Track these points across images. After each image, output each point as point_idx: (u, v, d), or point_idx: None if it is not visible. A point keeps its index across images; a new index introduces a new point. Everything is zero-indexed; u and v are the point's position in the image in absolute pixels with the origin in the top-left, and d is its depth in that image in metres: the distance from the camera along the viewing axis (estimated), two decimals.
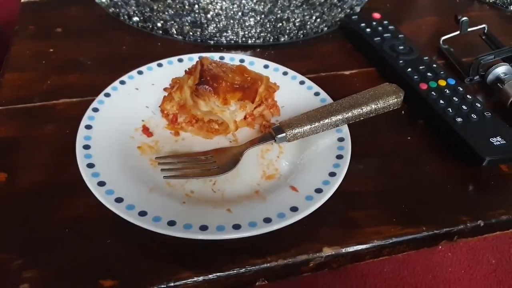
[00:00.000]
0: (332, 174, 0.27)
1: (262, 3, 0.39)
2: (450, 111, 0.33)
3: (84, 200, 0.26)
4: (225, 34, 0.41)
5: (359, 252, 0.26)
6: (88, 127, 0.29)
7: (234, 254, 0.25)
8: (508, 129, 0.32)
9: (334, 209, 0.27)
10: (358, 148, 0.30)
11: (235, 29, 0.41)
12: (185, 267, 0.24)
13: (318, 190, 0.26)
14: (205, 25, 0.40)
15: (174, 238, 0.24)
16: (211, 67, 0.31)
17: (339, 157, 0.29)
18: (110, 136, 0.29)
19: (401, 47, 0.39)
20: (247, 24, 0.40)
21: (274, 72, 0.36)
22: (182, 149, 0.30)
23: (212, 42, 0.41)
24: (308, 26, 0.42)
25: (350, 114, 0.30)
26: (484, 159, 0.30)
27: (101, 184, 0.26)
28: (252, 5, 0.39)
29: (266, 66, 0.36)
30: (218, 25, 0.40)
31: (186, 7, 0.39)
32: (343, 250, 0.26)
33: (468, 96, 0.34)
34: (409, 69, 0.37)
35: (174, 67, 0.35)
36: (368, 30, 0.41)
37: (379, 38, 0.40)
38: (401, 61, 0.37)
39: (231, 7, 0.39)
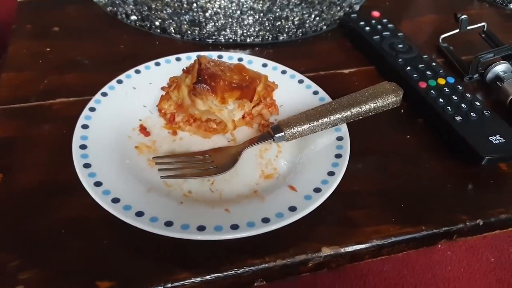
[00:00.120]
0: (331, 174, 0.27)
1: (261, 2, 0.39)
2: (450, 109, 0.33)
3: (81, 200, 0.26)
4: (223, 32, 0.41)
5: (358, 252, 0.26)
6: (85, 126, 0.29)
7: (232, 255, 0.24)
8: (507, 127, 0.32)
9: (333, 209, 0.27)
10: (357, 147, 0.30)
11: (234, 28, 0.40)
12: (182, 268, 0.24)
13: (317, 190, 0.26)
14: (204, 23, 0.40)
15: (172, 238, 0.24)
16: (209, 66, 0.31)
17: (338, 156, 0.28)
18: (107, 136, 0.29)
19: (400, 46, 0.39)
20: (245, 22, 0.40)
21: (272, 70, 0.36)
22: (180, 149, 0.30)
23: (210, 40, 0.41)
24: (307, 25, 0.42)
25: (349, 113, 0.30)
26: (483, 157, 0.30)
27: (98, 184, 0.25)
28: (251, 3, 0.39)
29: (264, 65, 0.36)
30: (217, 24, 0.40)
31: (184, 5, 0.39)
32: (342, 250, 0.26)
33: (467, 94, 0.34)
34: (408, 68, 0.36)
35: (172, 66, 0.35)
36: (367, 28, 0.41)
37: (378, 37, 0.40)
38: (400, 60, 0.37)
39: (229, 6, 0.39)
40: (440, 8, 0.49)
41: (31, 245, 0.24)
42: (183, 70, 0.32)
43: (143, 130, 0.31)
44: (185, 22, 0.40)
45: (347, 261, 0.26)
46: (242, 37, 0.41)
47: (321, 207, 0.26)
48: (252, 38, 0.41)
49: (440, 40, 0.42)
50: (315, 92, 0.34)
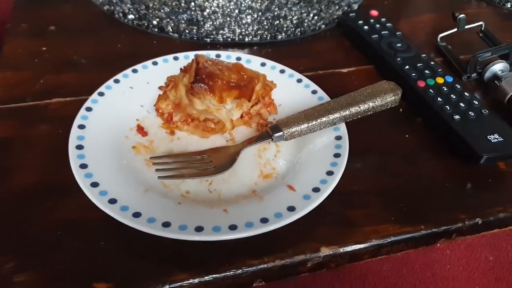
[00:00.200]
0: (330, 173, 0.27)
1: (259, 1, 0.39)
2: (448, 108, 0.33)
3: (78, 201, 0.25)
4: (221, 32, 0.40)
5: (357, 251, 0.26)
6: (81, 126, 0.29)
7: (231, 255, 0.24)
8: (506, 126, 0.32)
9: (332, 208, 0.27)
10: (356, 146, 0.30)
11: (232, 27, 0.40)
12: (180, 269, 0.24)
13: (316, 189, 0.26)
14: (202, 22, 0.40)
15: (170, 239, 0.24)
16: (206, 65, 0.31)
17: (337, 155, 0.28)
18: (104, 136, 0.29)
19: (399, 45, 0.38)
20: (244, 21, 0.40)
21: (271, 70, 0.35)
22: (177, 149, 0.30)
23: (208, 40, 0.40)
24: (305, 24, 0.42)
25: (347, 112, 0.30)
26: (482, 156, 0.30)
27: (95, 185, 0.25)
28: (249, 2, 0.39)
29: (263, 64, 0.36)
30: (215, 23, 0.40)
31: (182, 4, 0.39)
32: (341, 250, 0.25)
33: (465, 93, 0.34)
34: (407, 67, 0.36)
35: (170, 65, 0.35)
36: (365, 27, 0.41)
37: (376, 36, 0.40)
38: (398, 59, 0.37)
39: (227, 5, 0.39)
40: (438, 7, 0.49)
41: (27, 247, 0.24)
42: (180, 69, 0.32)
43: (141, 130, 0.31)
44: (183, 21, 0.40)
45: (346, 261, 0.26)
46: (240, 36, 0.41)
47: (320, 207, 0.26)
48: (251, 37, 0.41)
49: (438, 39, 0.42)
50: (314, 92, 0.34)
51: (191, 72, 0.31)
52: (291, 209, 0.25)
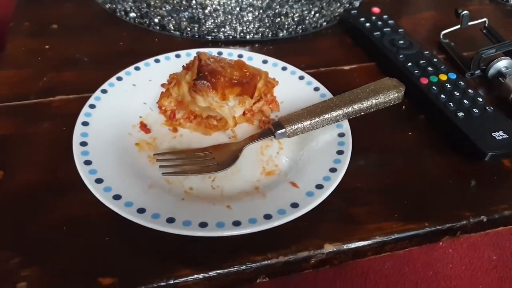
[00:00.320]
0: (333, 170, 0.27)
1: None
2: (451, 105, 0.33)
3: (82, 197, 0.25)
4: (223, 29, 0.40)
5: (360, 248, 0.26)
6: (85, 123, 0.29)
7: (234, 251, 0.24)
8: (510, 123, 0.32)
9: (335, 205, 0.27)
10: (359, 143, 0.30)
11: (233, 25, 0.40)
12: (185, 265, 0.24)
13: (319, 186, 0.26)
14: (203, 20, 0.40)
15: (174, 235, 0.24)
16: (209, 62, 0.31)
17: (340, 152, 0.28)
18: (107, 133, 0.29)
19: (401, 42, 0.38)
20: (245, 19, 0.40)
21: (273, 67, 0.35)
22: (180, 146, 0.30)
23: (210, 37, 0.40)
24: (307, 21, 0.42)
25: (350, 109, 0.30)
26: (486, 154, 0.29)
27: (99, 181, 0.25)
28: (250, 0, 0.39)
29: (265, 61, 0.36)
30: (216, 21, 0.40)
31: (184, 2, 0.39)
32: (345, 247, 0.25)
33: (469, 90, 0.34)
34: (410, 64, 0.36)
35: (172, 62, 0.35)
36: (367, 24, 0.40)
37: (378, 33, 0.39)
38: (401, 56, 0.37)
39: (229, 2, 0.39)
40: (440, 4, 0.49)
41: (32, 242, 0.24)
42: (183, 66, 0.32)
43: (144, 127, 0.31)
44: (185, 19, 0.40)
45: (350, 257, 0.26)
46: (242, 34, 0.41)
47: (323, 203, 0.26)
48: (252, 34, 0.41)
49: (441, 36, 0.42)
50: (316, 89, 0.34)
51: (193, 69, 0.31)
52: (295, 205, 0.25)
